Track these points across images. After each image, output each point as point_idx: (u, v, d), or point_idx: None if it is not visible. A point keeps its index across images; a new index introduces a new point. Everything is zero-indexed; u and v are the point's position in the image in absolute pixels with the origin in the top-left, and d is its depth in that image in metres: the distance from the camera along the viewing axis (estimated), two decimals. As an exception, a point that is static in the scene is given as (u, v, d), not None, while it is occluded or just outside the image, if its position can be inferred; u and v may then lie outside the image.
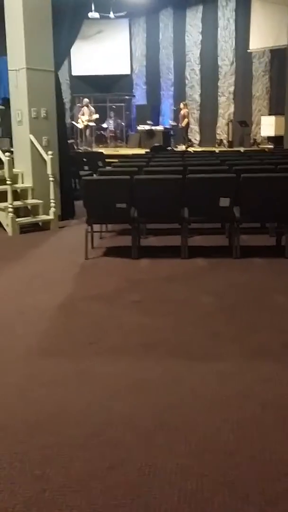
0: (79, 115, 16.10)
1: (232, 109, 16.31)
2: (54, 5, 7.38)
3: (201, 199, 5.40)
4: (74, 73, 18.32)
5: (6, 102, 8.66)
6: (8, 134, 9.90)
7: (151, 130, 16.11)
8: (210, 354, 3.18)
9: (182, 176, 5.48)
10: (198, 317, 3.79)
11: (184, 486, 1.98)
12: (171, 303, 4.13)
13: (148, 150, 12.34)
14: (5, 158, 6.86)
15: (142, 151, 12.89)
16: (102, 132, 17.41)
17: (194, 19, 16.68)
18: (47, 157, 7.23)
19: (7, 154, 6.93)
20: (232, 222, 5.56)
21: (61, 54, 7.86)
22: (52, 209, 7.30)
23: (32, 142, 7.35)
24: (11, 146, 8.04)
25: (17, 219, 7.00)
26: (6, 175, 6.83)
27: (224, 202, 5.36)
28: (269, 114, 15.21)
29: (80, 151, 13.91)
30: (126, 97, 18.07)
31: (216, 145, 16.14)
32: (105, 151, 13.19)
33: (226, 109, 16.41)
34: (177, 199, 5.42)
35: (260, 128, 15.41)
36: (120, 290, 4.50)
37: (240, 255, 5.36)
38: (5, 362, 3.13)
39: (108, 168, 7.98)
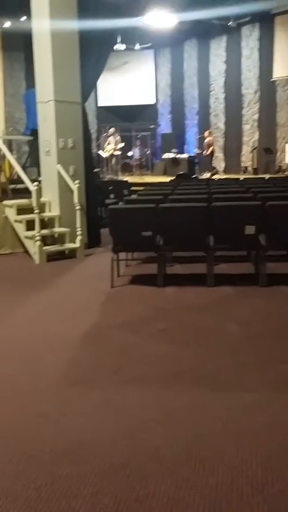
0: (105, 145, 16.39)
1: (256, 136, 16.39)
2: (81, 38, 7.61)
3: (227, 227, 5.40)
4: (100, 103, 18.73)
5: (35, 133, 8.87)
6: (36, 164, 10.13)
7: (176, 158, 16.27)
8: (236, 385, 3.14)
9: (208, 204, 5.50)
10: (224, 347, 3.76)
11: (212, 522, 1.95)
12: (197, 331, 4.10)
13: (173, 178, 12.45)
14: (33, 187, 7.00)
15: (167, 179, 13.01)
16: (127, 160, 17.65)
17: (218, 49, 16.97)
18: (74, 186, 7.36)
19: (35, 183, 7.07)
20: (258, 249, 5.54)
21: (88, 86, 8.06)
22: (79, 237, 7.39)
23: (59, 172, 7.50)
24: (39, 175, 8.21)
25: (44, 247, 7.10)
26: (34, 204, 6.96)
27: (250, 229, 5.34)
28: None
29: (106, 179, 14.11)
30: (151, 126, 18.34)
31: (241, 172, 16.19)
32: (130, 179, 13.36)
33: (250, 136, 16.50)
34: (202, 227, 5.43)
35: (285, 155, 15.42)
36: (146, 318, 4.50)
37: (266, 283, 5.31)
38: (33, 390, 3.15)
39: (133, 196, 8.06)
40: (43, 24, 7.32)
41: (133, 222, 5.46)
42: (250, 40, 16.17)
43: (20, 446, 2.51)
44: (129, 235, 5.50)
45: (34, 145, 10.79)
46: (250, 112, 16.41)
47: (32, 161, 12.19)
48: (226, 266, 6.29)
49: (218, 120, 17.25)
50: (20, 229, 7.33)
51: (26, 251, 7.33)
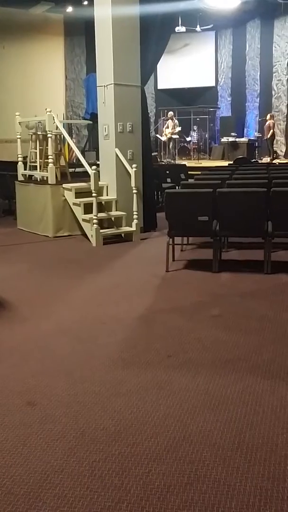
0: (163, 128, 16.30)
1: None
2: (142, 21, 7.56)
3: (286, 213, 5.27)
4: (159, 86, 18.60)
5: (94, 117, 8.94)
6: (95, 147, 10.24)
7: (235, 142, 15.98)
8: (292, 374, 3.09)
9: (267, 189, 5.39)
10: (281, 335, 3.70)
11: (262, 510, 1.94)
12: (252, 319, 4.05)
13: (231, 162, 12.25)
14: (91, 171, 7.08)
15: (225, 163, 12.83)
16: (185, 144, 17.50)
17: (282, 29, 16.41)
18: (131, 170, 7.38)
19: (93, 167, 7.15)
20: None
21: (148, 69, 8.02)
22: (135, 221, 7.43)
23: (117, 156, 7.54)
24: (97, 159, 8.29)
25: (101, 230, 7.19)
26: (92, 187, 7.05)
27: (310, 216, 5.20)
28: None
29: (163, 163, 14.06)
30: (211, 109, 18.06)
31: (303, 157, 15.71)
32: (188, 163, 13.25)
33: (314, 119, 15.95)
34: (261, 212, 5.33)
35: None
36: (200, 303, 4.49)
37: None
38: (88, 370, 3.22)
39: (190, 180, 8.00)
40: (104, 9, 7.32)
41: (190, 206, 5.42)
42: (316, 19, 15.55)
43: (73, 423, 2.59)
44: (185, 219, 5.48)
45: (93, 129, 10.89)
46: (314, 95, 15.85)
47: (91, 145, 12.33)
48: (285, 253, 6.16)
49: (280, 103, 16.75)
50: (78, 212, 7.45)
51: (84, 234, 7.45)
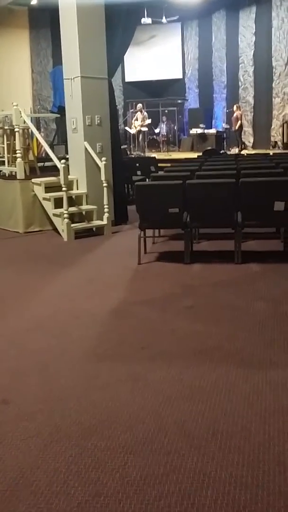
0: (132, 121, 16.26)
1: (287, 110, 16.00)
2: (107, 13, 7.50)
3: (255, 203, 5.33)
4: (127, 79, 18.52)
5: (62, 110, 8.85)
6: (63, 141, 10.14)
7: (203, 133, 16.04)
8: (264, 362, 3.13)
9: (236, 180, 5.43)
10: (252, 324, 3.74)
11: (238, 497, 1.96)
12: (224, 309, 4.09)
13: (200, 154, 12.30)
14: (60, 165, 7.02)
15: (194, 155, 12.87)
16: (154, 137, 17.49)
17: (247, 20, 16.51)
18: (101, 163, 7.34)
19: (62, 161, 7.08)
20: (287, 226, 5.46)
21: (115, 61, 7.97)
22: (106, 215, 7.40)
23: (86, 149, 7.49)
24: (66, 153, 8.21)
25: (72, 225, 7.14)
26: (62, 182, 6.99)
27: (279, 206, 5.26)
28: None
29: (133, 156, 14.03)
30: (179, 101, 18.08)
31: (271, 147, 15.88)
32: (157, 155, 13.26)
33: (280, 110, 16.12)
34: (230, 203, 5.37)
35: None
36: (173, 295, 4.51)
37: (295, 260, 5.25)
38: (62, 365, 3.20)
39: (160, 172, 8.00)
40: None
41: (160, 199, 5.43)
42: (280, 10, 15.66)
43: (49, 419, 2.57)
44: (156, 212, 5.48)
45: (61, 122, 10.78)
46: (281, 85, 16.00)
47: (59, 139, 12.21)
48: (254, 243, 6.23)
49: (247, 94, 16.88)
50: (48, 206, 7.38)
51: (55, 229, 7.39)
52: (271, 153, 11.61)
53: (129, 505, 1.95)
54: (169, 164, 9.44)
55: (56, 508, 1.95)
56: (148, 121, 15.95)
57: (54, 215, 7.31)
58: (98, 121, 7.62)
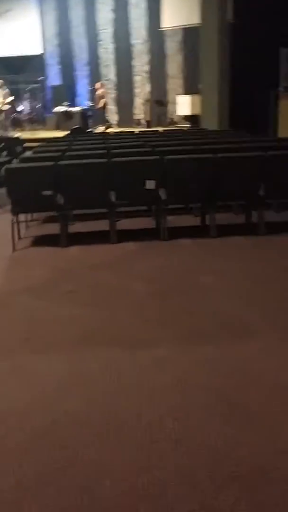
0: (-8, 98, 15.43)
1: (148, 88, 16.30)
2: None
3: (127, 182, 5.37)
4: (-17, 54, 17.50)
5: None
6: None
7: (68, 111, 15.75)
8: (146, 341, 3.18)
9: (107, 160, 5.42)
10: (131, 304, 3.79)
11: (136, 481, 1.98)
12: (103, 291, 4.09)
13: (67, 133, 12.10)
14: None
15: (61, 133, 12.62)
16: (17, 115, 16.82)
17: (104, -3, 16.39)
18: None
19: None
20: (158, 204, 5.59)
21: None
22: (-28, 200, 6.99)
23: None
24: None
25: None
26: None
27: (150, 184, 5.36)
28: (185, 93, 15.34)
29: (-4, 136, 13.37)
30: (39, 78, 17.51)
31: (135, 125, 16.11)
32: (22, 135, 12.78)
33: (142, 88, 16.38)
34: (103, 183, 5.35)
35: (176, 107, 15.53)
36: (52, 280, 4.41)
37: (167, 236, 5.40)
38: None
39: (28, 153, 7.73)
40: None
41: (32, 181, 5.24)
42: (137, -12, 15.79)
43: None
44: (28, 195, 5.28)
45: None
46: (140, 63, 16.23)
47: None
48: (128, 222, 6.29)
49: (109, 72, 16.87)
50: None
51: None
52: (136, 131, 11.75)
53: (28, 507, 1.88)
54: (36, 144, 9.14)
55: None
56: (11, 98, 15.25)
57: None
58: None
